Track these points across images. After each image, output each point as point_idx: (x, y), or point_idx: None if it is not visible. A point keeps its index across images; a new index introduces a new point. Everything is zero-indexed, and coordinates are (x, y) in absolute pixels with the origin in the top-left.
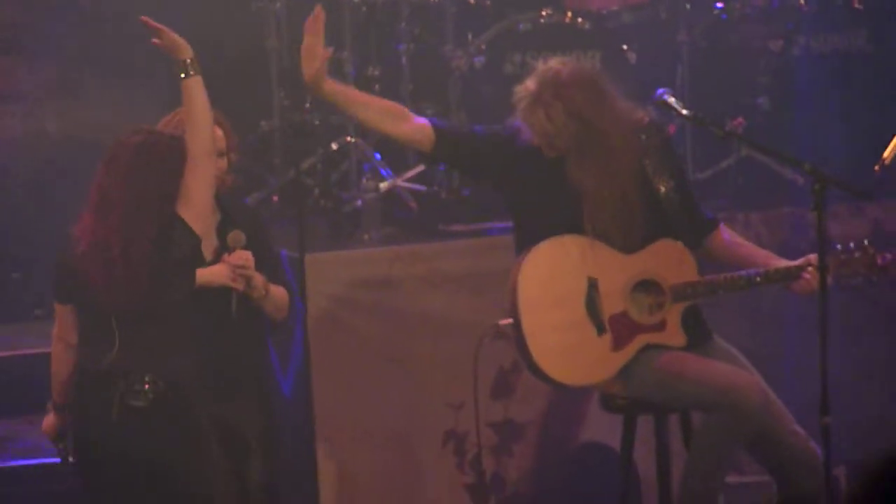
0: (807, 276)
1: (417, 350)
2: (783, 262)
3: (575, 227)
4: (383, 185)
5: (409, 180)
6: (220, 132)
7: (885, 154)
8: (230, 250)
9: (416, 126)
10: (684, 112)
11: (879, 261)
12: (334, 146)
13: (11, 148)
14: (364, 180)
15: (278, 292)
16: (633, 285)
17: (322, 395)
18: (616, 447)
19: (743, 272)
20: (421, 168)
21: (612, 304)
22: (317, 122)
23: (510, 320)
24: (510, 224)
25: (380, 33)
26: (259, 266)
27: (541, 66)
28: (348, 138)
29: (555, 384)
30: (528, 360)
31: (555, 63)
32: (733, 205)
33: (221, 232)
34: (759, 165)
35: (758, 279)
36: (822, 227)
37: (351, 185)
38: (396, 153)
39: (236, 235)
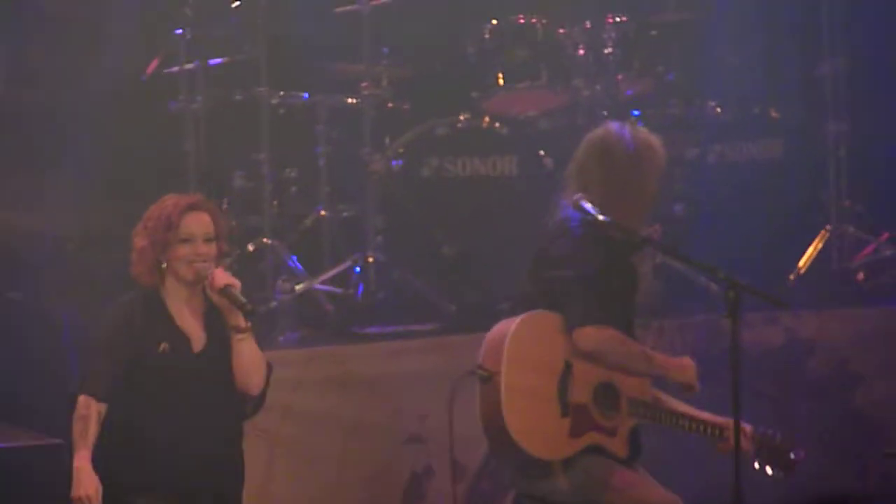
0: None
1: (329, 451)
2: (705, 415)
3: None
4: (299, 287)
5: (324, 282)
6: (207, 217)
7: (801, 263)
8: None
9: None
10: (600, 218)
11: (793, 455)
12: (250, 247)
13: None
14: (280, 282)
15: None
16: (599, 383)
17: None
18: None
19: (681, 414)
20: (336, 270)
21: (579, 393)
22: (234, 223)
23: (483, 368)
24: (424, 326)
25: (298, 135)
26: None
27: None
28: (265, 240)
29: (509, 444)
30: (494, 411)
31: None
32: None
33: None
34: (674, 272)
35: (690, 426)
36: (735, 335)
37: (266, 287)
38: (312, 255)
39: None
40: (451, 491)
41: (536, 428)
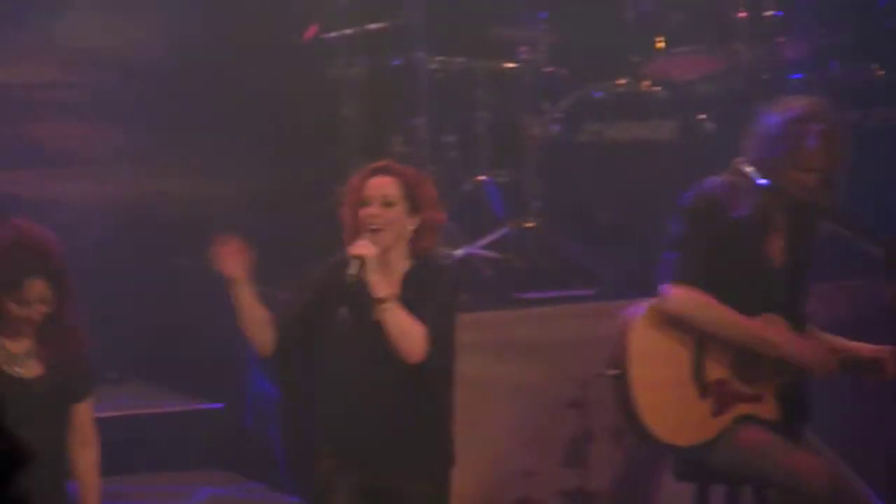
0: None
1: (489, 417)
2: (860, 348)
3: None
4: (458, 253)
5: (483, 248)
6: (389, 180)
7: None
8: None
9: None
10: (761, 181)
11: None
12: None
13: (81, 211)
14: (439, 247)
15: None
16: (737, 354)
17: None
18: None
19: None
20: (495, 235)
21: (715, 369)
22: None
23: (614, 371)
24: (582, 292)
25: (456, 100)
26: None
27: None
28: None
29: (652, 441)
30: (632, 413)
31: None
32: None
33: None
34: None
35: (842, 366)
36: (894, 300)
37: None
38: (471, 221)
39: None
40: (610, 456)
41: (677, 419)
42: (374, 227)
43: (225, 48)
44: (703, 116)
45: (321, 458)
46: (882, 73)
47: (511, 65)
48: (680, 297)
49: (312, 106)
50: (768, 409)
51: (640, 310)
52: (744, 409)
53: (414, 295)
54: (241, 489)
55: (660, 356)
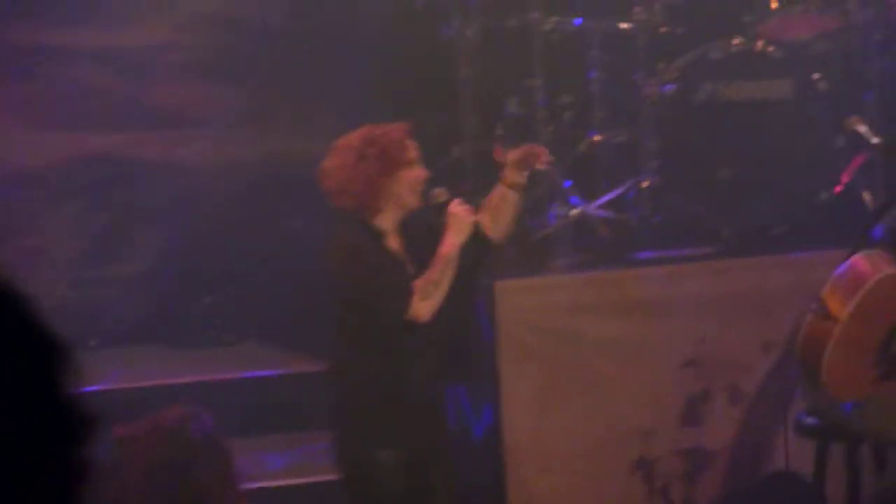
0: None
1: (607, 377)
2: None
3: None
4: (573, 213)
5: (599, 207)
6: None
7: None
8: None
9: None
10: (875, 140)
11: None
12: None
13: (203, 173)
14: (554, 207)
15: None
16: None
17: (512, 422)
18: (806, 476)
19: None
20: (611, 195)
21: None
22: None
23: (825, 308)
24: (700, 250)
25: (571, 61)
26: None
27: None
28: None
29: (816, 382)
30: (817, 351)
31: None
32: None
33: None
34: None
35: None
36: None
37: (541, 212)
38: (587, 180)
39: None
40: (728, 414)
41: (847, 373)
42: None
43: (341, 10)
44: (818, 76)
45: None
46: None
47: (626, 25)
48: None
49: (428, 68)
50: None
51: (879, 270)
52: None
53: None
54: None
55: (873, 320)
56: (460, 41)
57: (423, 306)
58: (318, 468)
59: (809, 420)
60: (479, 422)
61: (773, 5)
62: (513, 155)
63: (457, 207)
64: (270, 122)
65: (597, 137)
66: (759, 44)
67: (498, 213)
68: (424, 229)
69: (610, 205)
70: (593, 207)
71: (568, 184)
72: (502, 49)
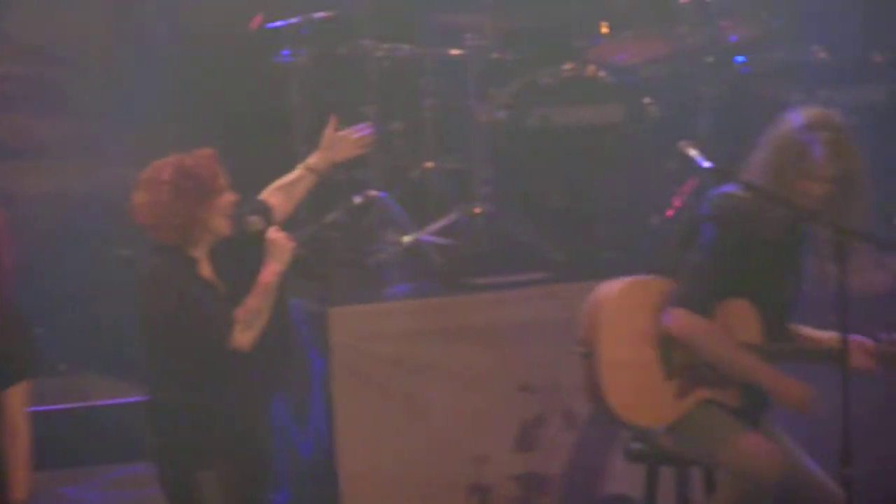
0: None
1: (442, 403)
2: (826, 337)
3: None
4: (406, 239)
5: (432, 234)
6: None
7: None
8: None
9: None
10: (706, 164)
11: None
12: (357, 200)
13: (34, 203)
14: (388, 234)
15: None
16: None
17: (347, 449)
18: (638, 500)
19: (791, 348)
20: (444, 222)
21: (682, 353)
22: (340, 177)
23: (582, 344)
24: (532, 276)
25: (403, 88)
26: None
27: None
28: (372, 192)
29: (615, 420)
30: (596, 387)
31: None
32: None
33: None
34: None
35: (803, 355)
36: (842, 280)
37: (375, 239)
38: (420, 208)
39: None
40: (562, 439)
41: (640, 398)
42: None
43: (173, 40)
44: (649, 100)
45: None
46: (824, 55)
47: (457, 51)
48: (682, 321)
49: (260, 95)
50: (731, 396)
51: (612, 289)
52: (708, 393)
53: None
54: None
55: (629, 337)
56: (292, 68)
57: (246, 336)
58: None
59: (637, 445)
60: (305, 440)
61: (604, 30)
62: (332, 135)
63: (276, 235)
64: (101, 152)
65: (429, 164)
66: (590, 69)
67: (289, 193)
68: (234, 255)
69: (442, 231)
70: (426, 234)
71: (401, 211)
72: (334, 76)
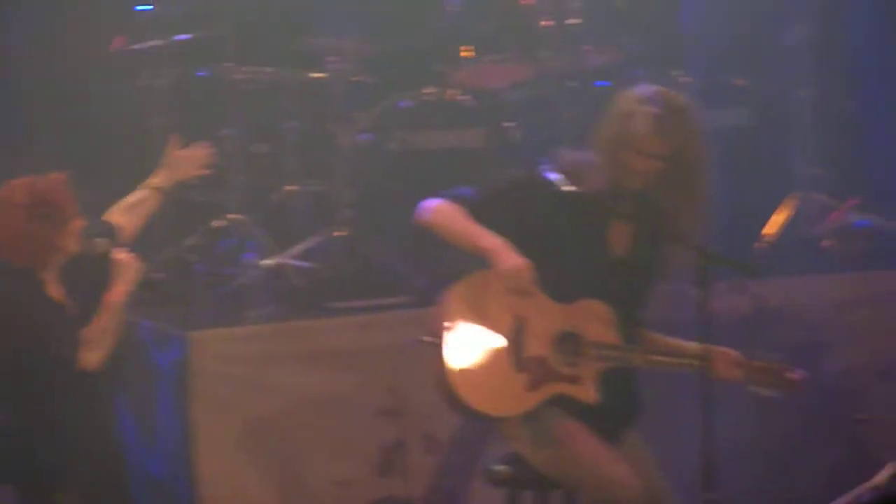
0: (718, 367)
1: (302, 427)
2: (688, 346)
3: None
4: (266, 262)
5: (293, 257)
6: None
7: (768, 230)
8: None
9: None
10: (567, 188)
11: (789, 375)
12: (217, 223)
13: None
14: (247, 257)
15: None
16: (557, 334)
17: (205, 471)
18: None
19: (656, 357)
20: (305, 245)
21: (534, 346)
22: (200, 200)
23: (429, 336)
24: (393, 300)
25: (264, 111)
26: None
27: None
28: (231, 215)
29: (464, 409)
30: (445, 380)
31: None
32: None
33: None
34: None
35: (671, 363)
36: (703, 304)
37: (235, 262)
38: (281, 231)
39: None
40: (423, 463)
41: (488, 387)
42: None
43: (30, 59)
44: (511, 124)
45: None
46: (686, 79)
47: (319, 75)
48: (430, 206)
49: (122, 117)
50: (586, 392)
51: (464, 281)
52: (560, 388)
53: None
54: None
55: (477, 326)
56: (152, 91)
57: (93, 355)
58: None
59: (499, 468)
60: (156, 461)
61: (465, 54)
62: (175, 154)
63: (122, 255)
64: None
65: (290, 187)
66: (452, 93)
67: (135, 212)
68: (85, 276)
69: (303, 255)
70: (287, 257)
71: (261, 234)
72: (195, 99)
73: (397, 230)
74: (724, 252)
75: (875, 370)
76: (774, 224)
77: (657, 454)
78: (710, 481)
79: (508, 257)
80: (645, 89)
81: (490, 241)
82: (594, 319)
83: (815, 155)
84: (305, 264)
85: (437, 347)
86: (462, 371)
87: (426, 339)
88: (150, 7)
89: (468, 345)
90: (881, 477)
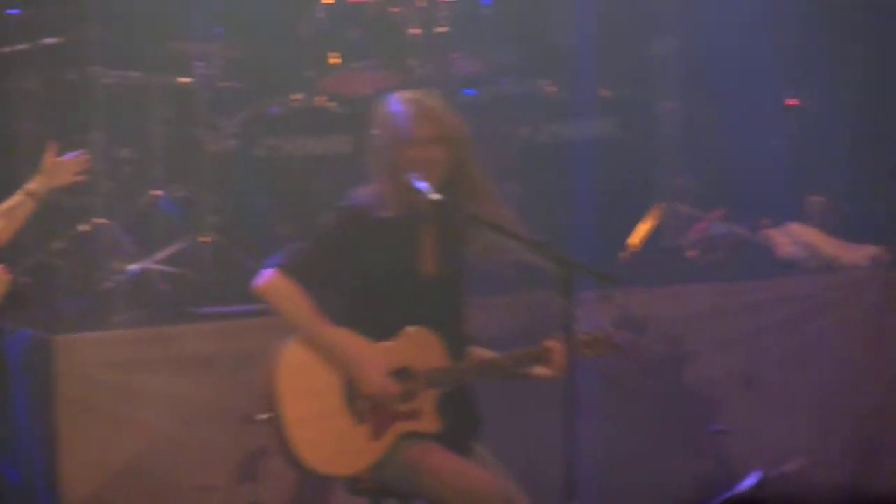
0: (555, 355)
1: (166, 433)
2: (518, 351)
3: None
4: (132, 267)
5: (159, 262)
6: None
7: (632, 240)
8: None
9: None
10: (433, 196)
11: (616, 339)
12: (83, 227)
13: None
14: (114, 262)
15: None
16: (389, 374)
17: (70, 476)
18: None
19: (491, 358)
20: (171, 250)
21: (365, 396)
22: (67, 204)
23: (266, 415)
24: (258, 306)
25: (132, 115)
26: None
27: None
28: (97, 220)
29: (315, 475)
30: (289, 452)
31: None
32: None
33: None
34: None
35: (507, 363)
36: (567, 314)
37: (101, 267)
38: (147, 236)
39: None
40: (284, 470)
41: (332, 449)
42: None
43: None
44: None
45: None
46: (553, 89)
47: (187, 80)
48: (269, 281)
49: None
50: (429, 423)
51: (282, 349)
52: (404, 426)
53: None
54: None
55: (310, 390)
56: (19, 94)
57: None
58: None
59: (361, 477)
60: (14, 468)
61: (333, 61)
62: (52, 160)
63: None
64: None
65: (157, 192)
66: (319, 99)
67: (8, 218)
68: None
69: (169, 260)
70: (153, 262)
71: (128, 238)
72: (62, 102)
73: (263, 236)
74: (588, 262)
75: (738, 380)
76: (639, 234)
77: (519, 465)
78: (571, 491)
79: (371, 375)
80: (398, 93)
81: (348, 350)
82: (420, 347)
83: (679, 166)
84: (171, 269)
85: (274, 422)
86: (303, 439)
87: (261, 417)
88: (17, 10)
89: (303, 412)
90: (745, 485)
